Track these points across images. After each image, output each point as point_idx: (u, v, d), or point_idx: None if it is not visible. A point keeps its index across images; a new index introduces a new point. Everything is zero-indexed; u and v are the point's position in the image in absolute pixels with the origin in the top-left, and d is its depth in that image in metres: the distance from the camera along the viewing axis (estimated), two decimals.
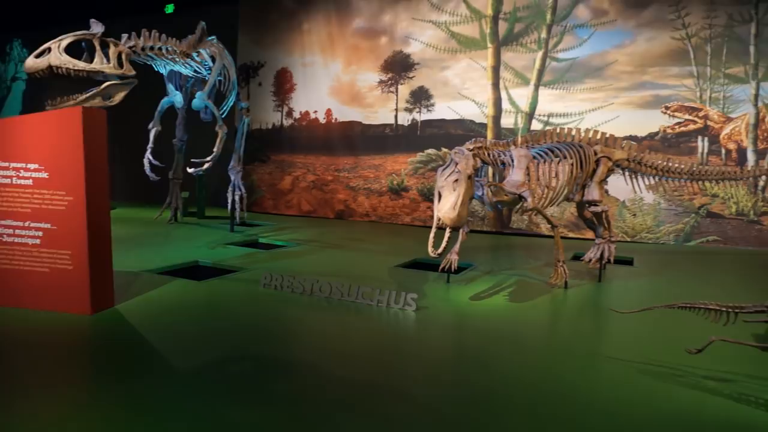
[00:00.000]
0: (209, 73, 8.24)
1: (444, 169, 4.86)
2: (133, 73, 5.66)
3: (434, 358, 3.83)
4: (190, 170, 7.94)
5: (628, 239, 9.64)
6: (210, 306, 4.88)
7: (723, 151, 9.23)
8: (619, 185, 6.97)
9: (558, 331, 4.71)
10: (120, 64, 5.56)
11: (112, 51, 5.48)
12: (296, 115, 12.58)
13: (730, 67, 9.12)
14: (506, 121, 10.53)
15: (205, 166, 7.77)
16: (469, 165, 4.72)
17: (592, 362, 3.75)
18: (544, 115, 10.26)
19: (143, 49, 6.56)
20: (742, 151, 9.12)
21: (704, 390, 3.25)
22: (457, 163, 4.72)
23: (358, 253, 7.80)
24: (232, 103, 9.08)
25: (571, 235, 9.78)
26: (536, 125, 10.27)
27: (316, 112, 12.39)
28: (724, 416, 2.94)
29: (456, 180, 4.66)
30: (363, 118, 11.91)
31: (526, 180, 5.27)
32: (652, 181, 6.56)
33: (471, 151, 5.00)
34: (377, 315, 4.72)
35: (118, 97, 5.51)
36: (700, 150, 9.37)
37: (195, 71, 7.97)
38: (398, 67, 11.43)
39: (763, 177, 8.87)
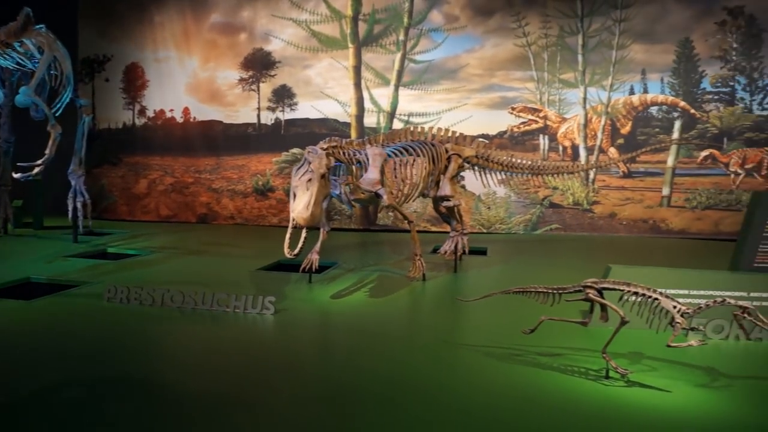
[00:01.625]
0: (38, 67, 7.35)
1: (298, 169, 4.81)
2: None
3: (293, 361, 3.76)
4: (16, 175, 7.03)
5: (484, 231, 10.33)
6: (42, 328, 4.34)
7: (560, 147, 10.26)
8: (475, 181, 7.40)
9: (415, 323, 4.89)
10: None
11: None
12: (150, 113, 11.72)
13: (564, 73, 10.15)
14: (369, 120, 10.73)
15: (35, 170, 6.94)
16: (323, 164, 4.71)
17: (445, 350, 3.93)
18: (404, 115, 10.61)
19: None
20: (575, 148, 10.20)
21: (538, 366, 3.56)
22: (310, 163, 4.69)
23: (219, 258, 7.46)
24: (67, 100, 8.18)
25: (433, 229, 10.24)
26: (397, 124, 10.60)
27: (172, 110, 11.65)
28: (556, 387, 3.24)
29: (310, 179, 4.63)
30: (224, 117, 11.44)
31: (382, 178, 5.40)
32: (503, 176, 7.08)
33: (325, 150, 5.00)
34: (234, 322, 4.53)
35: None
36: (542, 147, 10.32)
37: (18, 63, 7.06)
38: (259, 64, 11.13)
39: (592, 170, 10.00)
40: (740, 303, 3.00)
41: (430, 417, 2.88)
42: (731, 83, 9.75)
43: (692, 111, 9.84)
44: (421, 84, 10.55)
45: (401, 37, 10.51)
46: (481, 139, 6.96)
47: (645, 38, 9.92)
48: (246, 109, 11.28)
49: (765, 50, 9.65)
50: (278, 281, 6.00)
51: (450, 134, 6.48)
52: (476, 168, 6.80)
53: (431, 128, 6.41)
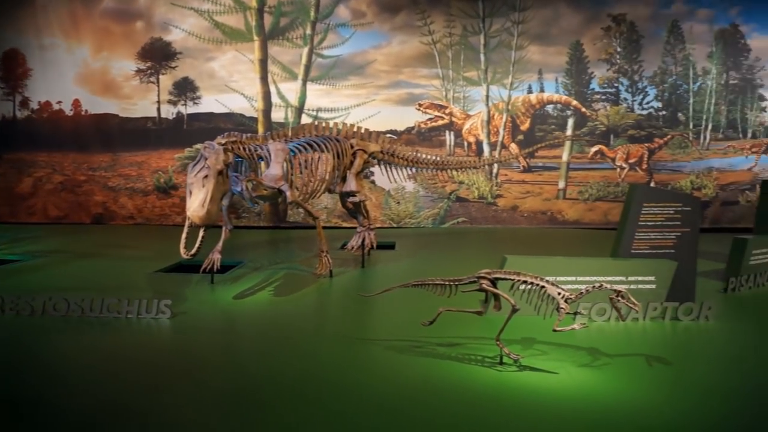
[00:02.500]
0: None
1: (194, 165, 4.59)
2: None
3: (193, 366, 3.58)
4: None
5: (394, 225, 10.48)
6: None
7: (465, 143, 10.62)
8: (383, 176, 7.42)
9: (320, 320, 4.85)
10: None
11: None
12: (34, 105, 10.74)
13: (467, 71, 10.50)
14: (277, 116, 10.52)
15: None
16: (220, 160, 4.54)
17: (349, 345, 3.92)
18: (313, 110, 10.51)
19: None
20: (479, 144, 10.60)
21: (437, 356, 3.65)
22: (206, 158, 4.50)
23: (115, 261, 6.99)
24: None
25: (344, 225, 10.23)
26: (306, 120, 10.47)
27: (60, 102, 10.74)
28: (453, 376, 3.33)
29: (206, 176, 4.44)
30: (120, 110, 10.72)
31: (285, 174, 5.29)
32: (411, 171, 7.18)
33: (223, 145, 4.81)
34: (126, 328, 4.26)
35: None
36: (448, 143, 10.62)
37: None
38: (158, 55, 10.54)
39: (495, 165, 10.44)
40: (615, 287, 3.24)
41: (335, 412, 2.86)
42: (616, 84, 10.56)
43: (583, 110, 10.55)
44: (330, 79, 10.49)
45: (308, 31, 10.37)
46: (389, 135, 7.03)
47: (541, 40, 10.49)
48: (145, 102, 10.65)
49: (644, 55, 10.54)
50: (178, 283, 5.72)
51: (355, 130, 6.49)
52: (382, 163, 6.86)
53: (336, 123, 6.38)
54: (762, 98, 10.72)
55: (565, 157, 10.60)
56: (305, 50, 10.41)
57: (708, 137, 10.64)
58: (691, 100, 10.62)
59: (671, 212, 4.72)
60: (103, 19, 10.63)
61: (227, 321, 4.61)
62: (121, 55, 10.63)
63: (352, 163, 6.22)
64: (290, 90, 10.50)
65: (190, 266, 6.46)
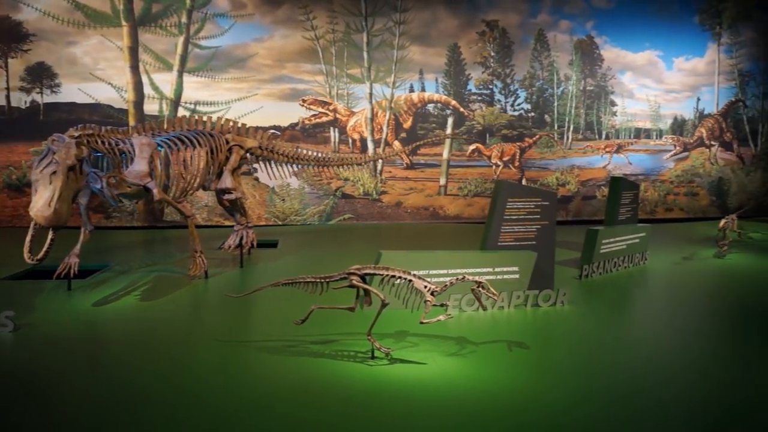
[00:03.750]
0: None
1: (40, 160, 4.13)
2: None
3: (41, 383, 3.21)
4: None
5: (280, 223, 10.28)
6: None
7: (350, 140, 10.68)
8: (272, 173, 7.17)
9: (190, 324, 4.59)
10: None
11: None
12: None
13: (351, 69, 10.56)
14: (151, 108, 9.85)
15: None
16: (71, 154, 4.13)
17: (221, 349, 3.76)
18: (190, 103, 9.98)
19: None
20: (363, 141, 10.71)
21: (311, 354, 3.61)
22: (54, 153, 4.07)
23: None
24: None
25: (226, 223, 9.83)
26: (183, 113, 9.91)
27: None
28: (327, 373, 3.31)
29: (54, 172, 4.02)
30: None
31: (151, 170, 4.95)
32: (292, 168, 7.04)
33: (76, 138, 4.38)
34: None
35: None
36: (333, 139, 10.61)
37: None
38: (6, 36, 9.40)
39: (380, 162, 10.62)
40: (476, 278, 3.42)
41: (208, 419, 2.71)
42: (490, 86, 11.20)
43: (461, 109, 11.06)
44: (208, 71, 10.02)
45: (183, 20, 9.82)
46: (272, 131, 6.84)
47: (421, 41, 10.82)
48: None
49: (515, 60, 11.27)
50: (28, 291, 5.14)
51: (231, 124, 6.24)
52: (261, 160, 6.68)
53: (210, 118, 6.09)
54: (613, 103, 11.94)
55: (445, 155, 11.04)
56: (180, 39, 9.84)
57: (570, 138, 11.65)
58: (555, 104, 11.55)
59: (532, 206, 5.09)
60: None
61: (85, 330, 4.22)
62: None
63: (227, 159, 5.98)
64: (165, 81, 9.88)
65: (43, 272, 5.85)
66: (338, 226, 10.34)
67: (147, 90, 9.80)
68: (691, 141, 12.44)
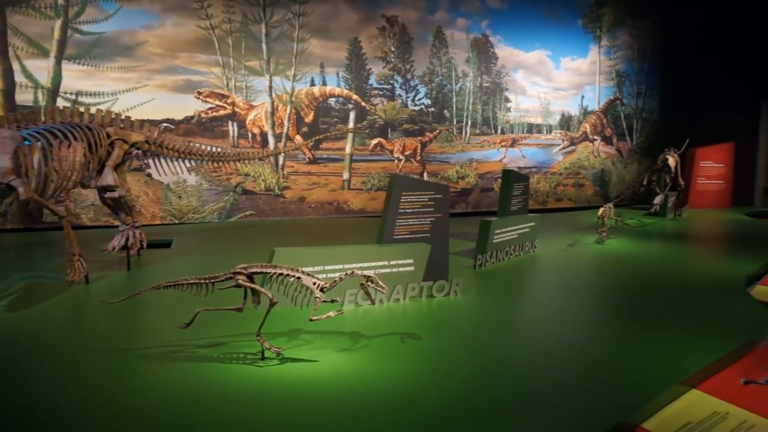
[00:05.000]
0: None
1: None
2: None
3: None
4: None
5: (176, 221, 9.77)
6: None
7: (250, 134, 10.36)
8: (162, 169, 6.74)
9: (68, 332, 4.23)
10: None
11: None
12: None
13: (249, 60, 10.23)
14: (24, 98, 8.95)
15: None
16: None
17: (99, 358, 3.49)
18: (71, 93, 9.19)
19: None
20: (264, 135, 10.44)
21: (198, 359, 3.45)
22: None
23: None
24: None
25: (117, 223, 9.19)
26: (64, 104, 9.11)
27: None
28: (216, 378, 3.17)
29: None
30: None
31: (16, 166, 4.49)
32: (186, 164, 6.69)
33: None
34: None
35: None
36: (231, 134, 10.24)
37: None
38: None
39: (282, 156, 10.41)
40: (365, 273, 3.43)
41: None
42: (391, 81, 11.34)
43: (363, 104, 11.11)
44: (92, 59, 9.28)
45: (60, 1, 9.00)
46: (165, 125, 6.46)
47: (321, 34, 10.71)
48: None
49: (415, 56, 11.49)
50: None
51: (114, 117, 5.81)
52: (150, 155, 6.30)
53: (87, 109, 5.64)
54: (507, 100, 12.55)
55: (348, 149, 11.04)
56: (58, 23, 9.02)
57: (468, 132, 12.10)
58: (454, 99, 11.93)
59: (426, 200, 5.21)
60: None
61: None
62: None
63: (109, 154, 5.57)
64: (41, 68, 9.01)
65: None
66: (239, 224, 10.03)
67: (19, 78, 8.89)
68: (577, 136, 13.39)
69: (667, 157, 10.74)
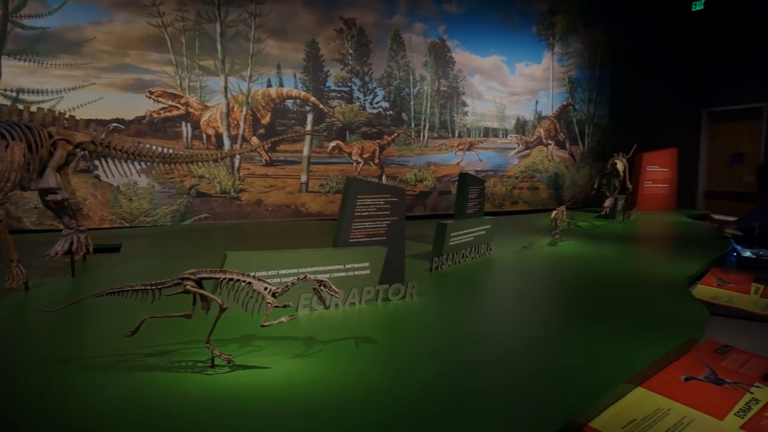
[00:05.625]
0: None
1: None
2: None
3: None
4: None
5: (127, 225, 9.45)
6: None
7: (204, 136, 10.13)
8: (111, 171, 6.47)
9: (5, 343, 4.01)
10: None
11: None
12: None
13: (203, 60, 10.01)
14: None
15: None
16: None
17: (37, 370, 3.31)
18: (11, 90, 8.75)
19: None
20: (219, 137, 10.23)
21: (144, 368, 3.33)
22: None
23: None
24: None
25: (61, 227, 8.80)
26: (3, 102, 8.68)
27: None
28: (163, 387, 3.06)
29: None
30: None
31: None
32: (135, 165, 6.46)
33: None
34: None
35: None
36: (185, 135, 9.98)
37: None
38: None
39: (237, 158, 10.22)
40: (318, 277, 3.39)
41: None
42: (349, 84, 11.31)
43: (321, 106, 11.03)
44: (34, 55, 8.87)
45: None
46: (114, 125, 6.22)
47: (278, 35, 10.59)
48: None
49: (373, 58, 11.50)
50: None
51: (56, 116, 5.56)
52: (96, 156, 6.06)
53: (27, 107, 5.37)
54: (464, 104, 12.72)
55: (305, 152, 10.94)
56: None
57: (426, 136, 12.19)
58: (412, 103, 12.01)
59: (381, 203, 5.20)
60: None
61: None
62: None
63: (52, 154, 5.32)
64: None
65: None
66: (193, 227, 9.78)
67: None
68: (532, 140, 13.69)
69: (616, 161, 11.12)
